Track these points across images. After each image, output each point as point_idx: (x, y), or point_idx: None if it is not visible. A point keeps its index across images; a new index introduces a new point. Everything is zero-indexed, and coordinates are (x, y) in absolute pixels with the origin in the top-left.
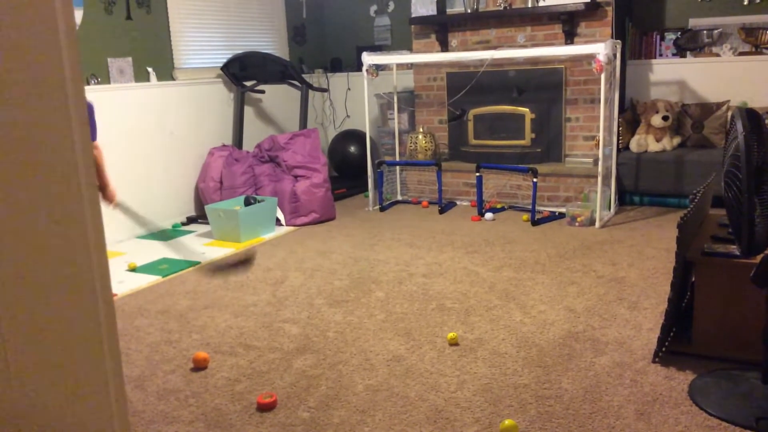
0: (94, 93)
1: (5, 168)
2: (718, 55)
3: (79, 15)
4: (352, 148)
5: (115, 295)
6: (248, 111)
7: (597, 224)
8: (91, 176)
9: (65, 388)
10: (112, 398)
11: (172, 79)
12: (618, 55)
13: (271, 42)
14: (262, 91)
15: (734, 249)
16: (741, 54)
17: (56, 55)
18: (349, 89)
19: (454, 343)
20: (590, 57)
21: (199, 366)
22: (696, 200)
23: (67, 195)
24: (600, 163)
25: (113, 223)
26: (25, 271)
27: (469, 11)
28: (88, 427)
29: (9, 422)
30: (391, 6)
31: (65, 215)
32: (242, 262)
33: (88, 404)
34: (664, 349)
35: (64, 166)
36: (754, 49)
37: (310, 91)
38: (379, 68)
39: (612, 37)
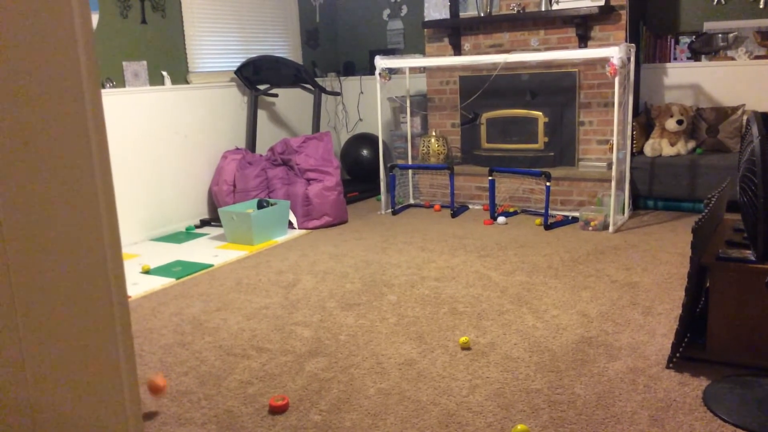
0: (109, 96)
1: (23, 170)
2: (733, 59)
3: (94, 19)
4: (365, 152)
5: (129, 297)
6: (261, 114)
7: (611, 228)
8: (108, 181)
9: (81, 388)
10: (126, 399)
11: (187, 82)
12: (632, 59)
13: (285, 46)
14: (276, 95)
15: (749, 254)
16: (756, 57)
17: (74, 58)
18: (361, 93)
19: (466, 347)
20: (604, 61)
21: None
22: (711, 205)
23: (84, 197)
24: (614, 167)
25: (127, 225)
26: (41, 273)
27: (482, 15)
28: (103, 428)
29: (25, 422)
30: (405, 10)
31: (81, 218)
32: None
33: (102, 405)
34: (678, 354)
35: (80, 169)
36: None
37: (323, 95)
38: (391, 72)
39: (626, 41)
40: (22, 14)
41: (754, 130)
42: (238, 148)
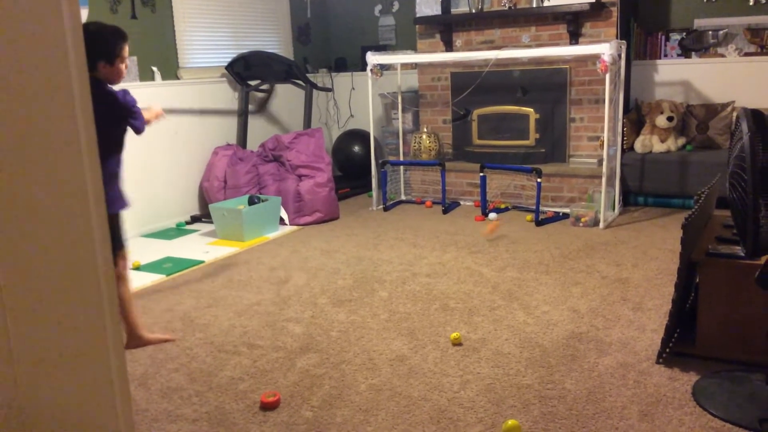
0: None
1: (12, 167)
2: (723, 55)
3: (84, 14)
4: (356, 148)
5: None
6: (252, 110)
7: (601, 225)
8: (97, 176)
9: (71, 386)
10: (116, 396)
11: (177, 78)
12: (623, 56)
13: (276, 41)
14: (267, 91)
15: (739, 250)
16: (746, 54)
17: (63, 54)
18: (353, 89)
19: (457, 343)
20: (595, 57)
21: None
22: (701, 201)
23: (73, 194)
24: (604, 163)
25: None
26: (31, 270)
27: (473, 11)
28: (93, 425)
29: (15, 420)
30: (396, 6)
31: (71, 214)
32: None
33: (93, 402)
34: (667, 350)
35: (70, 166)
36: (759, 50)
37: (315, 91)
38: (383, 68)
39: (617, 38)
40: (10, 9)
41: (744, 126)
42: (229, 144)
